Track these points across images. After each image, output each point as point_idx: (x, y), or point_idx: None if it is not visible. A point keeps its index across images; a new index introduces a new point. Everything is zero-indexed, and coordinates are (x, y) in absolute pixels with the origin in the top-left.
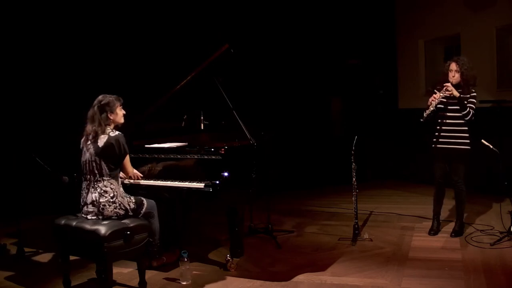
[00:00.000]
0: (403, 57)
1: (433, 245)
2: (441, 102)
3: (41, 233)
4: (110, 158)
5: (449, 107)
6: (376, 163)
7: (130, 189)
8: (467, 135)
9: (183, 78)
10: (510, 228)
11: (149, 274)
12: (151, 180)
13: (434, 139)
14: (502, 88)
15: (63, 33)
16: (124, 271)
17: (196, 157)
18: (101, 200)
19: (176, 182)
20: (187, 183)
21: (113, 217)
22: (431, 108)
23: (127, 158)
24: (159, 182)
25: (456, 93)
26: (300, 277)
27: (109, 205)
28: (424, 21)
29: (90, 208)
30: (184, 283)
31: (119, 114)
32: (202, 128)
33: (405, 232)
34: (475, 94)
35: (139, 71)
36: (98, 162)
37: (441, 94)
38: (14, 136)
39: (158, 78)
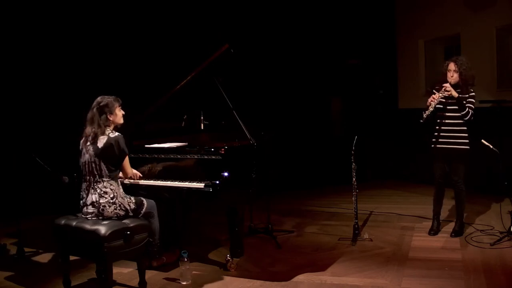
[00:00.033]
0: (403, 57)
1: (433, 245)
2: (440, 102)
3: (41, 233)
4: (110, 159)
5: (448, 107)
6: (376, 163)
7: (130, 189)
8: (466, 135)
9: (183, 78)
10: (510, 228)
11: (149, 274)
12: (151, 180)
13: (434, 139)
14: (502, 88)
15: (63, 34)
16: (124, 271)
17: (196, 157)
18: (101, 201)
19: (176, 182)
20: (187, 183)
21: (113, 218)
22: (431, 109)
23: (126, 159)
24: (159, 182)
25: (454, 94)
26: (300, 277)
27: (109, 206)
28: (424, 21)
29: (90, 209)
30: (184, 283)
31: (118, 115)
32: (202, 128)
33: (405, 232)
34: (473, 94)
35: (139, 71)
36: (97, 163)
37: (440, 95)
38: (14, 136)
39: (158, 78)
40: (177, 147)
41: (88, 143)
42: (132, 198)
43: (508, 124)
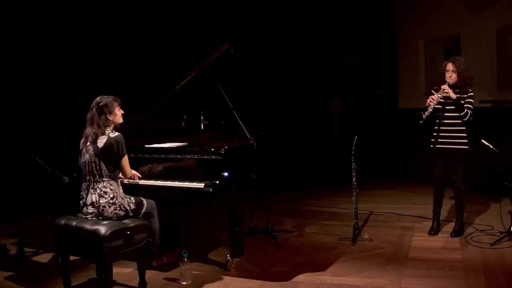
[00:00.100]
0: (403, 57)
1: (433, 245)
2: (439, 103)
3: (41, 233)
4: (110, 158)
5: (447, 107)
6: (376, 163)
7: (130, 189)
8: (465, 135)
9: (183, 78)
10: (510, 228)
11: (149, 274)
12: (151, 180)
13: (433, 139)
14: (502, 88)
15: (63, 34)
16: (124, 271)
17: (196, 157)
18: (101, 201)
19: (176, 182)
20: (187, 183)
21: (113, 218)
22: (430, 110)
23: (125, 159)
24: (159, 182)
25: (453, 95)
26: (300, 277)
27: (109, 206)
28: (424, 21)
29: (90, 209)
30: (184, 283)
31: (118, 115)
32: (202, 128)
33: (405, 232)
34: (472, 94)
35: (139, 71)
36: (97, 163)
37: (439, 95)
38: (14, 136)
39: (158, 78)
40: (177, 147)
41: (88, 143)
42: (132, 198)
43: (508, 124)
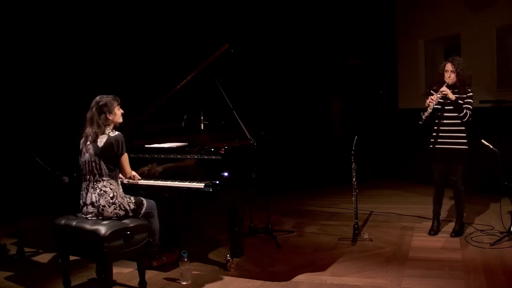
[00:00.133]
0: (403, 57)
1: (433, 245)
2: (438, 103)
3: (41, 233)
4: (110, 158)
5: (446, 107)
6: (376, 163)
7: (130, 189)
8: (464, 135)
9: (183, 78)
10: (510, 228)
11: (149, 274)
12: (151, 180)
13: (432, 140)
14: (502, 88)
15: (63, 33)
16: (124, 271)
17: (196, 157)
18: (100, 200)
19: (176, 182)
20: (187, 183)
21: (113, 218)
22: (429, 110)
23: (125, 158)
24: (159, 182)
25: (452, 97)
26: (300, 277)
27: (109, 206)
28: (424, 21)
29: (90, 208)
30: (184, 283)
31: (118, 114)
32: (202, 128)
33: (405, 232)
34: (471, 94)
35: (139, 71)
36: (97, 162)
37: (438, 95)
38: (14, 136)
39: (158, 78)
40: (177, 147)
41: (88, 143)
42: (132, 198)
43: (508, 124)
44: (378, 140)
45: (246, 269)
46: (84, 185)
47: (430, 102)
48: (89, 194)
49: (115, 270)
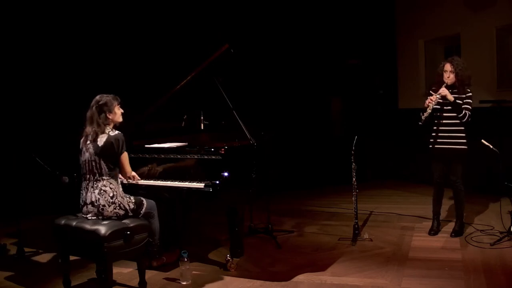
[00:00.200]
0: (403, 57)
1: (433, 245)
2: (437, 103)
3: (41, 233)
4: (110, 157)
5: (445, 107)
6: (376, 163)
7: (130, 189)
8: (464, 135)
9: (183, 78)
10: (510, 228)
11: (149, 274)
12: (151, 180)
13: (432, 140)
14: (502, 88)
15: (63, 33)
16: (124, 271)
17: (196, 157)
18: (100, 200)
19: (176, 182)
20: (187, 183)
21: (113, 218)
22: (429, 111)
23: (125, 157)
24: (159, 182)
25: (451, 98)
26: (300, 277)
27: (109, 206)
28: (424, 21)
29: (90, 208)
30: (184, 283)
31: (118, 113)
32: (202, 128)
33: (405, 232)
34: (470, 94)
35: (139, 71)
36: (97, 162)
37: (437, 96)
38: (14, 136)
39: (158, 78)
40: (177, 147)
41: (88, 142)
42: (132, 197)
43: (508, 124)
44: (378, 140)
45: (246, 269)
46: (84, 184)
47: (429, 102)
48: (89, 194)
49: (115, 270)
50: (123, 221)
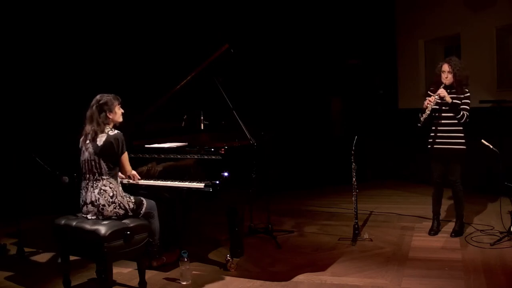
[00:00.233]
0: (403, 57)
1: (433, 245)
2: (436, 103)
3: (41, 233)
4: (109, 156)
5: (443, 108)
6: (376, 163)
7: (130, 189)
8: (462, 135)
9: (183, 78)
10: (510, 228)
11: (149, 274)
12: (151, 180)
13: (431, 140)
14: (502, 88)
15: (63, 33)
16: (124, 271)
17: (196, 157)
18: (100, 199)
19: (176, 182)
20: (187, 183)
21: (113, 217)
22: (427, 112)
23: (125, 156)
24: (159, 182)
25: (449, 99)
26: (300, 277)
27: (109, 205)
28: (424, 21)
29: (90, 208)
30: (184, 283)
31: (118, 113)
32: (202, 128)
33: (405, 232)
34: (468, 94)
35: (139, 71)
36: (97, 161)
37: (436, 97)
38: (14, 136)
39: (158, 78)
40: (177, 147)
41: (88, 141)
42: (132, 197)
43: (508, 124)
44: (378, 140)
45: (246, 269)
46: (83, 184)
47: (428, 104)
48: (88, 193)
49: (115, 270)
50: (123, 221)
